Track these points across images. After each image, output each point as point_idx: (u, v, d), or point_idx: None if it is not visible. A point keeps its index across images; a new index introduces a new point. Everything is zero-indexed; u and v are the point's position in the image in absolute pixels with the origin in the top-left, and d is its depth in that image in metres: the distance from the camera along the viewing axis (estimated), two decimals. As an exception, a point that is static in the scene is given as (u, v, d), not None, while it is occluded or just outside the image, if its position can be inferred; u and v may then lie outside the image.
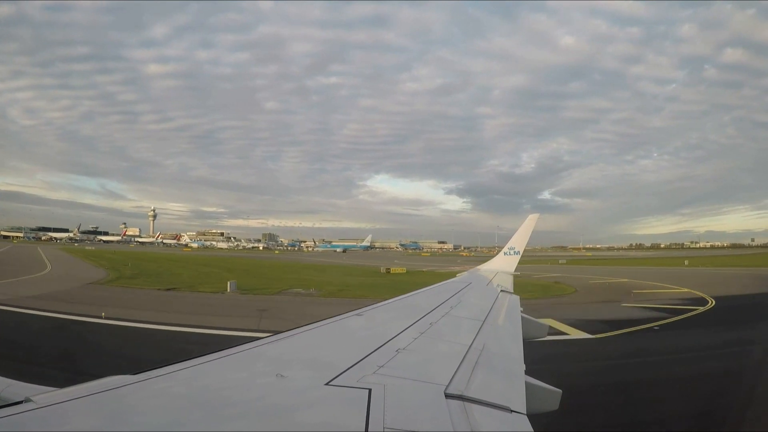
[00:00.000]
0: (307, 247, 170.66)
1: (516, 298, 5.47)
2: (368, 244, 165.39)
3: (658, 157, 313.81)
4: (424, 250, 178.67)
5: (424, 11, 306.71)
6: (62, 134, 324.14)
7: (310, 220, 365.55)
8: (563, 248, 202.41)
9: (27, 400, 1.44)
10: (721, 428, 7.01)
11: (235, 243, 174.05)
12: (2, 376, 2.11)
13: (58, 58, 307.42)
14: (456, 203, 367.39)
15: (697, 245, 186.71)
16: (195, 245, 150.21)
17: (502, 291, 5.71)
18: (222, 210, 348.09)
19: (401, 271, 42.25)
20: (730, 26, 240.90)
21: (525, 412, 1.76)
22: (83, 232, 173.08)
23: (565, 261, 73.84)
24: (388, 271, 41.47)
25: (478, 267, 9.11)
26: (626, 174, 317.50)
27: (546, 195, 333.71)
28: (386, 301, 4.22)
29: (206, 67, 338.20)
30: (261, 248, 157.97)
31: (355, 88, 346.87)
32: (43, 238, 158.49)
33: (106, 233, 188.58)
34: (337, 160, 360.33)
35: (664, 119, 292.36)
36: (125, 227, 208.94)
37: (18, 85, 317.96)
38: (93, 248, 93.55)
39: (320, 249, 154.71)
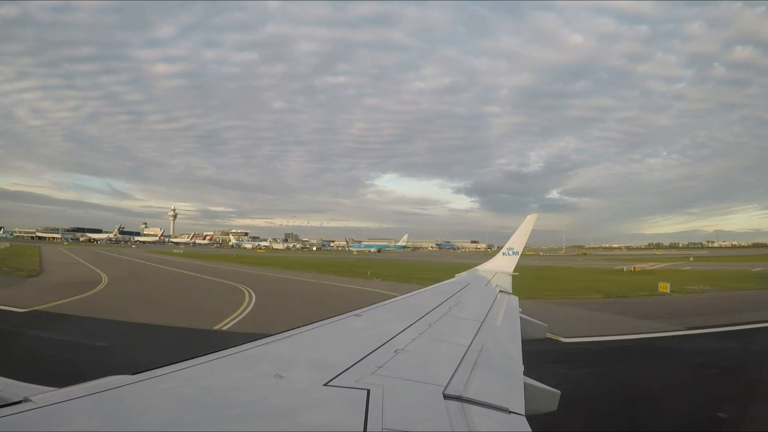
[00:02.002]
0: (337, 247, 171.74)
1: (515, 298, 5.41)
2: (404, 244, 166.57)
3: (666, 155, 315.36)
4: (460, 249, 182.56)
5: (430, 10, 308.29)
6: (69, 134, 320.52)
7: (317, 220, 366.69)
8: (581, 247, 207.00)
9: (26, 400, 1.45)
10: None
11: (292, 243, 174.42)
12: (1, 375, 2.11)
13: (63, 59, 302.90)
14: (464, 202, 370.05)
15: (713, 244, 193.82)
16: (249, 246, 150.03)
17: (500, 291, 5.70)
18: (229, 209, 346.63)
19: (640, 269, 43.51)
20: (738, 24, 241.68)
21: (524, 413, 1.78)
22: (122, 233, 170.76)
23: (692, 258, 76.90)
24: (633, 269, 42.87)
25: (477, 267, 8.99)
26: (633, 173, 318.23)
27: (554, 194, 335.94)
28: (385, 302, 4.23)
29: (212, 66, 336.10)
30: (314, 249, 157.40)
31: (360, 87, 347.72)
32: (81, 239, 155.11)
33: (137, 234, 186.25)
34: (343, 159, 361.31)
35: (672, 118, 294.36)
36: (146, 226, 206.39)
37: (24, 86, 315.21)
38: (182, 251, 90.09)
39: (354, 249, 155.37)
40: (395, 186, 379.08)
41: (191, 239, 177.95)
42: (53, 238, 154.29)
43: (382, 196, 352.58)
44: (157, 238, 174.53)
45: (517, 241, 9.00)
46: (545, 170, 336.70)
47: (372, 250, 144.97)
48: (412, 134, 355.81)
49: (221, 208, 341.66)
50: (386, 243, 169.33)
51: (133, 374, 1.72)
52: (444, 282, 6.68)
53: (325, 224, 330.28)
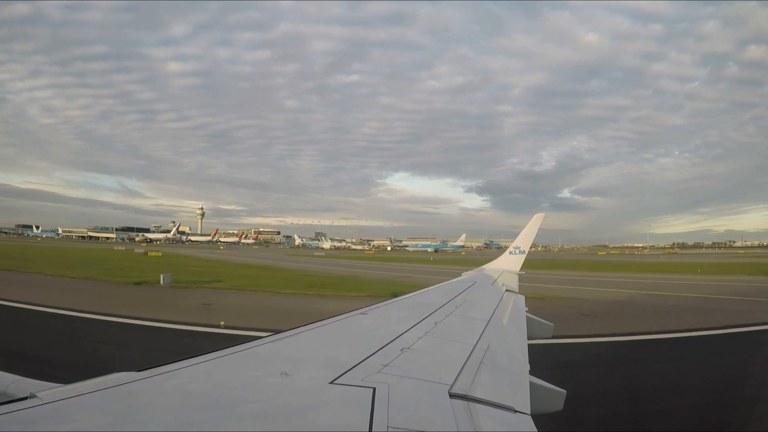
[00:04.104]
0: (378, 247, 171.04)
1: (521, 297, 5.42)
2: (461, 244, 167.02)
3: (678, 155, 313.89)
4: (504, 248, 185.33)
5: (444, 8, 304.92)
6: (80, 132, 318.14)
7: (328, 219, 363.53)
8: (605, 246, 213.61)
9: (32, 396, 1.45)
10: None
11: (369, 245, 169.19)
12: (6, 372, 2.12)
13: (76, 57, 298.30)
14: (475, 201, 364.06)
15: (735, 244, 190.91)
16: (327, 246, 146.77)
17: (507, 290, 5.71)
18: (240, 208, 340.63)
19: None
20: (752, 23, 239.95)
21: (529, 413, 1.77)
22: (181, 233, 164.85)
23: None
24: None
25: (483, 266, 9.03)
26: (645, 172, 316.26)
27: (566, 193, 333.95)
28: (391, 300, 4.23)
29: (225, 65, 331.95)
30: (389, 249, 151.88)
31: (374, 86, 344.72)
32: (137, 239, 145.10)
33: (183, 234, 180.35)
34: (355, 158, 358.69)
35: (684, 117, 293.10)
36: (175, 225, 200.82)
37: (36, 84, 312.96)
38: (323, 255, 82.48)
39: (411, 249, 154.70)
40: (406, 185, 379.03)
41: (239, 238, 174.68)
42: (107, 238, 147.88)
43: (393, 194, 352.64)
44: (210, 238, 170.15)
45: (524, 240, 9.11)
46: (557, 169, 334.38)
47: (429, 249, 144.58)
48: (424, 133, 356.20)
49: (232, 207, 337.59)
50: (430, 242, 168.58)
51: (139, 371, 1.73)
52: (451, 281, 6.69)
53: (335, 223, 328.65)
